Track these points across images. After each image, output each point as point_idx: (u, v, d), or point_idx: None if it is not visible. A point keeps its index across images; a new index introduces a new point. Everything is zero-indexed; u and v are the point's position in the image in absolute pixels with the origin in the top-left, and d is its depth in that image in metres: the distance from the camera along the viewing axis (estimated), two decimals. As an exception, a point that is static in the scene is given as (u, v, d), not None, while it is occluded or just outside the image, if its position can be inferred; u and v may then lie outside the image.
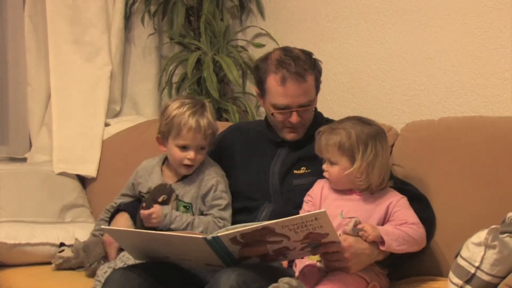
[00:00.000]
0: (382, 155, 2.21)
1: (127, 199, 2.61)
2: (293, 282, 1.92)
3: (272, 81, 2.40)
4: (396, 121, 2.88)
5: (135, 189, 2.58)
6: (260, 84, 2.46)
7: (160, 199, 2.39)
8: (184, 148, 2.40)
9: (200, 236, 2.01)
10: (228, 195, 2.45)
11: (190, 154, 2.40)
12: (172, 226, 2.35)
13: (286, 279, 1.93)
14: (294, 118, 2.40)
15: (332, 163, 2.22)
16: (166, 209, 2.38)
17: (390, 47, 2.99)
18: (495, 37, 2.69)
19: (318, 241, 2.03)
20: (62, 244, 2.78)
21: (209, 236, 1.99)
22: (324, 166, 2.25)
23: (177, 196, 2.44)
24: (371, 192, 2.23)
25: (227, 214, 2.42)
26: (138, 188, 2.56)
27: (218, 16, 3.41)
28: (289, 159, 2.47)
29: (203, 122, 2.39)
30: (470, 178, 2.41)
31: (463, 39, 2.78)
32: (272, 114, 2.44)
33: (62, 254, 2.72)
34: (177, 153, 2.42)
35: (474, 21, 2.74)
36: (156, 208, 2.37)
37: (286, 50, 2.45)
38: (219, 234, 1.99)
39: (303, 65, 2.38)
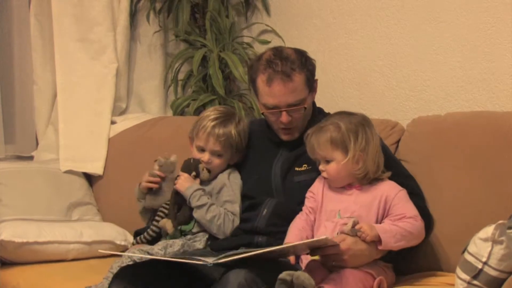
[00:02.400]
0: (373, 140, 2.23)
1: None
2: (306, 280, 1.92)
3: (260, 81, 2.41)
4: (402, 116, 2.88)
5: None
6: (252, 83, 2.48)
7: (191, 175, 2.50)
8: (202, 150, 2.52)
9: (201, 262, 2.04)
10: (238, 193, 2.52)
11: (205, 156, 2.51)
12: (190, 200, 2.46)
13: (300, 275, 1.92)
14: (284, 118, 2.39)
15: (327, 161, 2.23)
16: (195, 184, 2.48)
17: (396, 42, 2.98)
18: (502, 32, 2.68)
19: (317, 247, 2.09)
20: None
21: (210, 263, 2.02)
22: (321, 167, 2.26)
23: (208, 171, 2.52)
24: (369, 182, 2.23)
25: (238, 209, 2.48)
26: None
27: (223, 13, 3.41)
28: (290, 158, 2.46)
29: (220, 129, 2.49)
30: (477, 173, 2.40)
31: (469, 34, 2.77)
32: (263, 113, 2.45)
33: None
34: (196, 154, 2.54)
35: (480, 16, 2.73)
36: (183, 177, 2.49)
37: (277, 50, 2.44)
38: (220, 261, 2.02)
39: (290, 65, 2.36)
